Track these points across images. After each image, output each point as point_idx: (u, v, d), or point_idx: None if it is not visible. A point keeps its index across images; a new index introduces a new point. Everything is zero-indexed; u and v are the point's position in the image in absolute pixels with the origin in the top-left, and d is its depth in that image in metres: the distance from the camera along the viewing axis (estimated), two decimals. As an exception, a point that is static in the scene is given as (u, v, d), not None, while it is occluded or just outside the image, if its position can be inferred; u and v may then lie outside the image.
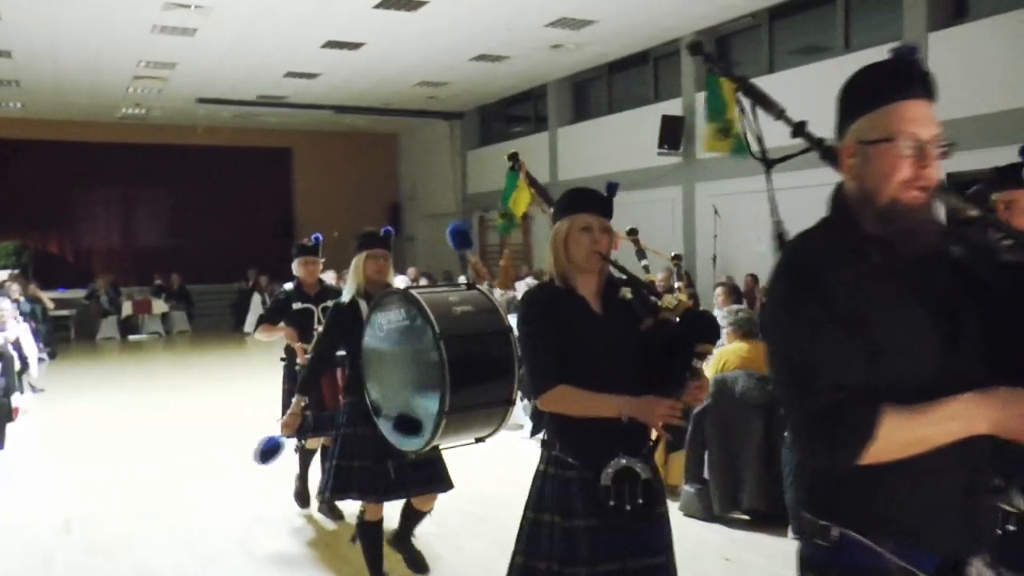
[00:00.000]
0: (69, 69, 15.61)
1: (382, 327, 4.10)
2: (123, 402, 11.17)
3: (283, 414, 5.62)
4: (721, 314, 8.45)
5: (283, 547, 5.67)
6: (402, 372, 4.04)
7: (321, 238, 6.40)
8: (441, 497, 4.75)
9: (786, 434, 5.58)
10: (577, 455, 2.88)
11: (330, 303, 5.57)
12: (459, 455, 4.47)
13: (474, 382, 3.85)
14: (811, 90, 11.95)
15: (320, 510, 6.22)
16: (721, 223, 13.33)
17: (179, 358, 16.36)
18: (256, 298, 19.77)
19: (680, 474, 6.19)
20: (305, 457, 6.38)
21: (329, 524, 6.08)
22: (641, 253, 5.05)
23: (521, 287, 12.04)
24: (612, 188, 3.12)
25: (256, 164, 23.58)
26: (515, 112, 20.49)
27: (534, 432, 8.36)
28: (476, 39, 14.37)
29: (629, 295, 2.99)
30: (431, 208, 23.11)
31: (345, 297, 4.59)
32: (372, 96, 18.86)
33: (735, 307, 7.01)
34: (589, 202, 3.00)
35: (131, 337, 19.39)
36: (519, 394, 5.18)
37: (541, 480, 2.99)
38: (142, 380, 13.15)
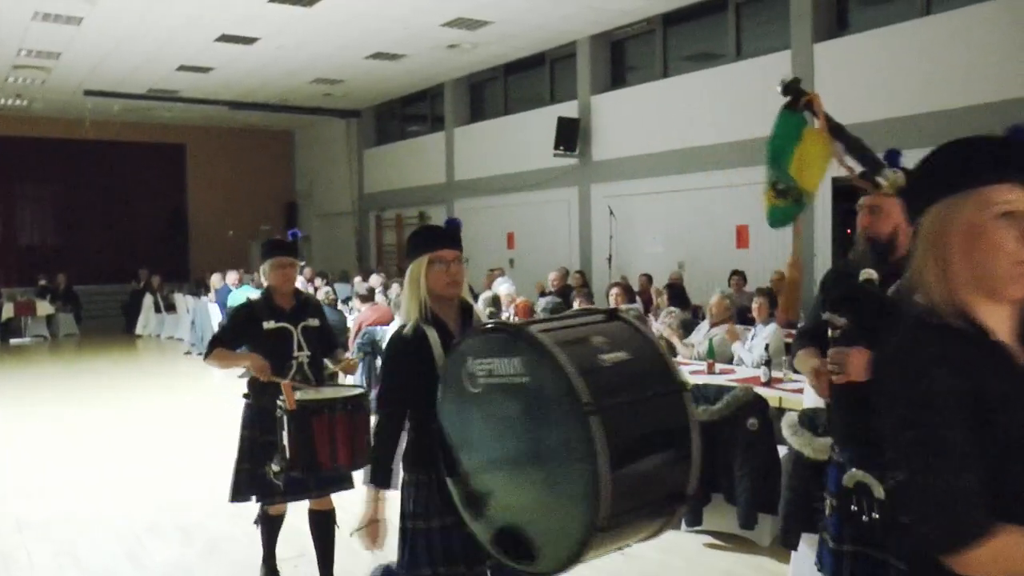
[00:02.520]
0: (-58, 57, 14.95)
1: (475, 378, 2.72)
2: (3, 410, 10.74)
3: (240, 466, 4.60)
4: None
5: (176, 556, 5.53)
6: (510, 455, 2.69)
7: (300, 235, 5.01)
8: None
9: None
10: None
11: (313, 322, 4.64)
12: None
13: (639, 475, 2.57)
14: (704, 95, 12.47)
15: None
16: (616, 224, 13.54)
17: (66, 363, 15.78)
18: (148, 299, 19.24)
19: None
20: (270, 530, 4.86)
21: (224, 530, 5.96)
22: None
23: (396, 290, 11.91)
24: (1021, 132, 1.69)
25: (148, 160, 22.90)
26: (412, 111, 20.42)
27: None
28: (372, 37, 14.28)
29: None
30: (327, 207, 22.88)
31: (406, 325, 3.12)
32: (267, 92, 18.55)
33: (623, 307, 7.10)
34: (1007, 161, 1.64)
35: (13, 341, 18.60)
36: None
37: None
38: (25, 387, 12.63)
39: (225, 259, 19.86)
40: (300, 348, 4.53)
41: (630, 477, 2.48)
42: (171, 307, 18.60)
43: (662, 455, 2.64)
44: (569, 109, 14.70)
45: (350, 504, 4.55)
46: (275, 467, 4.12)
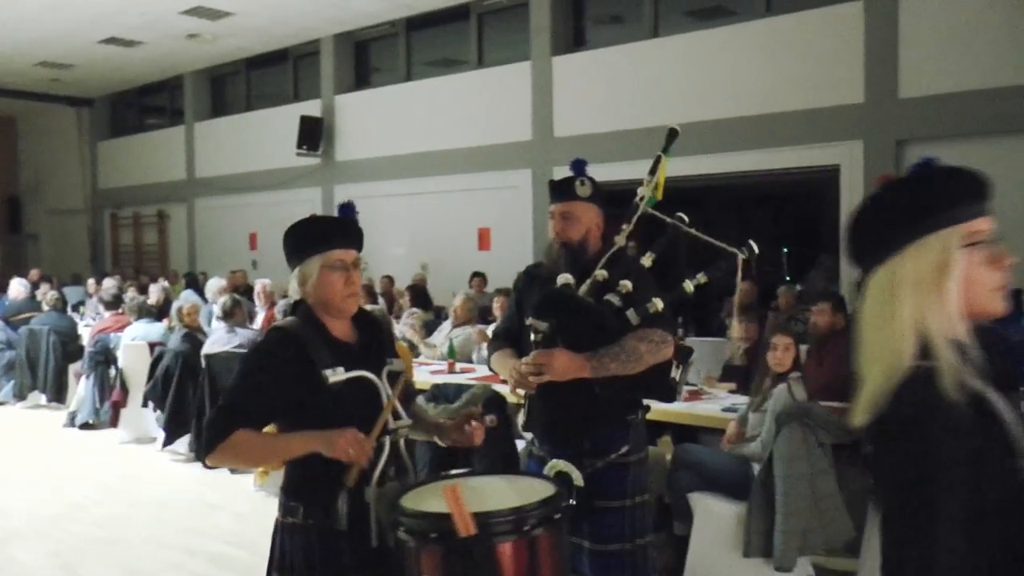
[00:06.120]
0: None
1: None
2: None
3: None
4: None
5: None
6: None
7: (358, 211, 2.68)
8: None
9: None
10: None
11: (396, 364, 2.62)
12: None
13: None
14: (447, 100, 12.68)
15: None
16: (360, 225, 13.51)
17: None
18: None
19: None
20: None
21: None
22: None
23: (156, 291, 11.37)
24: None
25: None
26: (150, 103, 19.46)
27: (167, 443, 7.96)
28: (106, 20, 13.46)
29: None
30: (56, 203, 21.34)
31: (925, 377, 1.47)
32: (-17, 73, 17.06)
33: (368, 307, 7.10)
34: None
35: None
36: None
37: None
38: None
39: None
40: (396, 415, 2.55)
41: None
42: None
43: None
44: (312, 108, 14.52)
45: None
46: None
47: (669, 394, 3.28)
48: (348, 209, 2.65)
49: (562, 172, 3.39)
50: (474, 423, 2.66)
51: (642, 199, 3.26)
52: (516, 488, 2.45)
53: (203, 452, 2.38)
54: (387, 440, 2.48)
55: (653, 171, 3.30)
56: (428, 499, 2.32)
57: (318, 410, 2.40)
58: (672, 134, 3.33)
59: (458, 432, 2.67)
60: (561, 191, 3.28)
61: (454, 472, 2.55)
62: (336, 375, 2.41)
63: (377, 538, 2.38)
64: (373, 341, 2.62)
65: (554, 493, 2.32)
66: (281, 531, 2.49)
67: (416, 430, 2.71)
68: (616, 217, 3.30)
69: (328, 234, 2.56)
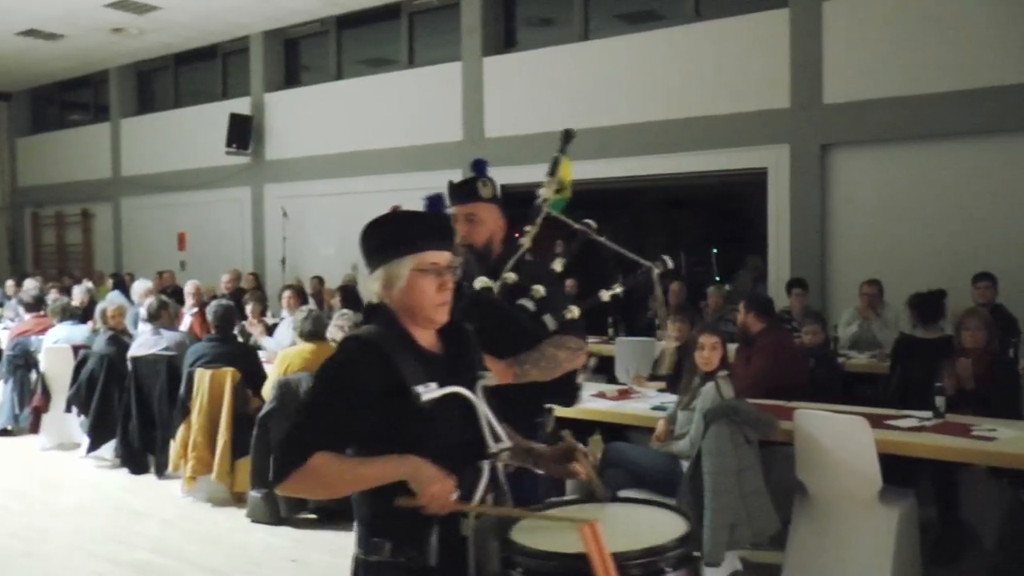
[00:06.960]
0: None
1: None
2: None
3: None
4: (289, 318, 8.51)
5: None
6: None
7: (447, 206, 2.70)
8: None
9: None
10: None
11: (490, 376, 2.41)
12: None
13: None
14: (377, 99, 12.64)
15: None
16: (289, 225, 13.38)
17: None
18: None
19: (246, 480, 6.14)
20: None
21: None
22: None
23: (79, 293, 11.11)
24: None
25: None
26: (74, 98, 18.95)
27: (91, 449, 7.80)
28: (25, 11, 13.06)
29: None
30: (-27, 200, 20.74)
31: None
32: None
33: (304, 308, 7.06)
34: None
35: None
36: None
37: None
38: None
39: None
40: (495, 436, 2.27)
41: None
42: None
43: None
44: (242, 106, 14.31)
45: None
46: None
47: (572, 397, 3.31)
48: (437, 202, 2.42)
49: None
50: (578, 462, 2.36)
51: (544, 200, 3.28)
52: (638, 520, 2.24)
53: (274, 479, 2.11)
54: (486, 465, 2.22)
55: (552, 172, 3.32)
56: (543, 533, 2.08)
57: (408, 431, 2.13)
58: (567, 135, 3.37)
59: (558, 464, 2.40)
60: (463, 193, 3.21)
61: (565, 499, 2.41)
62: (430, 392, 2.13)
63: None
64: (462, 351, 2.35)
65: (689, 529, 2.11)
66: (365, 570, 2.21)
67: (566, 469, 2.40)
68: (524, 218, 3.30)
69: (422, 233, 2.28)
